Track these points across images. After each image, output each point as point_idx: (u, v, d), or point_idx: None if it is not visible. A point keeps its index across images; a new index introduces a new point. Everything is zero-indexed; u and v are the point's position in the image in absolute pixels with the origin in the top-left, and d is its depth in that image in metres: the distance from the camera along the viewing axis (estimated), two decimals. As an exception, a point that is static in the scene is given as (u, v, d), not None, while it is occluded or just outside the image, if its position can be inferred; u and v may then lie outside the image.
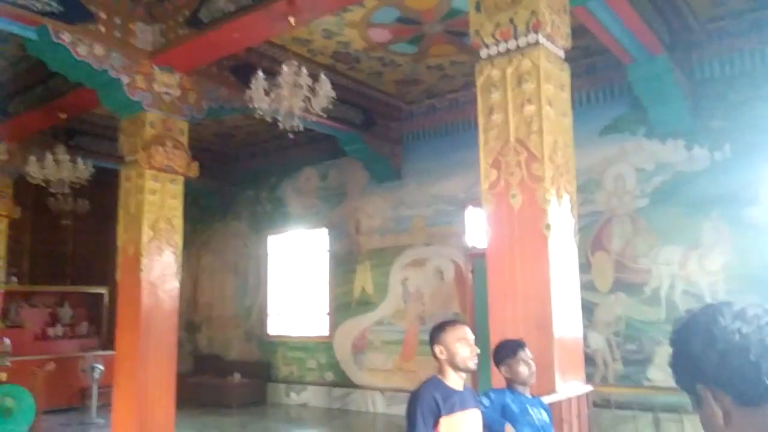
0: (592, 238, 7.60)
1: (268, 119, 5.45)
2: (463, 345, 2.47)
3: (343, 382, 9.71)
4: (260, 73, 5.10)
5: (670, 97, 6.84)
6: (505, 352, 3.05)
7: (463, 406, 2.43)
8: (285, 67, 5.08)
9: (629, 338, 7.29)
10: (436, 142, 9.10)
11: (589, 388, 3.96)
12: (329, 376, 9.92)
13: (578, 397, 3.74)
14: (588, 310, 6.78)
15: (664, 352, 7.01)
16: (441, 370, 2.50)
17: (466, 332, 2.53)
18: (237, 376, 10.31)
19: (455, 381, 2.48)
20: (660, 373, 6.98)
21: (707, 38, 7.00)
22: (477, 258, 8.54)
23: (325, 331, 10.10)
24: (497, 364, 3.08)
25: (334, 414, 9.41)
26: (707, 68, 7.07)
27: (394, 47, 7.44)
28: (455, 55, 7.69)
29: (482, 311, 8.25)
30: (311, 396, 10.06)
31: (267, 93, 5.13)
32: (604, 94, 7.78)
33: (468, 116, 8.73)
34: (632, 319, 7.30)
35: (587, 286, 7.11)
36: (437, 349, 2.50)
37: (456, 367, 2.47)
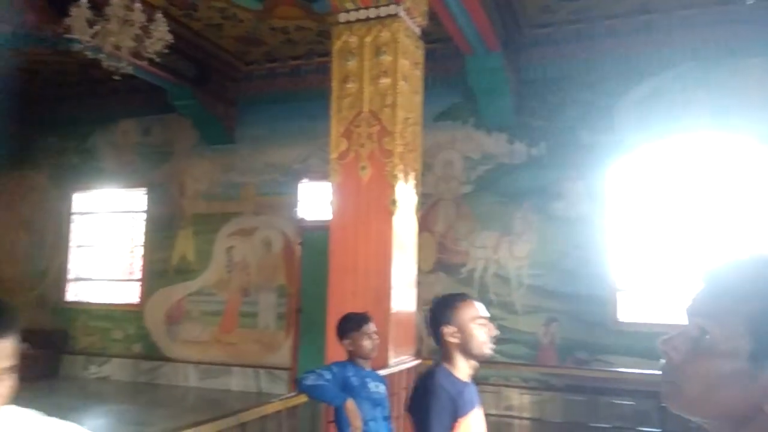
0: (419, 219, 7.90)
1: (89, 55, 4.76)
2: (479, 326, 1.95)
3: (153, 354, 9.04)
4: (84, 0, 4.41)
5: (499, 92, 7.33)
6: (350, 325, 2.99)
7: (473, 403, 1.96)
8: (115, -2, 4.45)
9: (444, 315, 7.73)
10: (274, 108, 8.74)
11: (417, 361, 4.09)
12: (137, 347, 9.16)
13: (408, 370, 3.84)
14: (411, 287, 7.05)
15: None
16: (448, 357, 1.97)
17: (482, 309, 2.01)
18: (25, 346, 8.98)
19: (464, 371, 1.98)
20: (468, 348, 7.53)
21: (534, 42, 7.60)
22: (307, 231, 8.44)
23: (135, 299, 9.30)
24: (341, 337, 3.01)
25: (140, 388, 8.73)
26: (532, 70, 7.68)
27: (239, 0, 6.96)
28: (302, 20, 7.44)
29: (309, 284, 8.22)
30: (115, 369, 9.22)
31: (90, 25, 4.46)
32: (441, 82, 8.06)
33: (309, 85, 8.52)
34: (448, 297, 7.75)
35: (411, 265, 7.39)
36: (449, 330, 1.95)
37: (470, 354, 1.96)
